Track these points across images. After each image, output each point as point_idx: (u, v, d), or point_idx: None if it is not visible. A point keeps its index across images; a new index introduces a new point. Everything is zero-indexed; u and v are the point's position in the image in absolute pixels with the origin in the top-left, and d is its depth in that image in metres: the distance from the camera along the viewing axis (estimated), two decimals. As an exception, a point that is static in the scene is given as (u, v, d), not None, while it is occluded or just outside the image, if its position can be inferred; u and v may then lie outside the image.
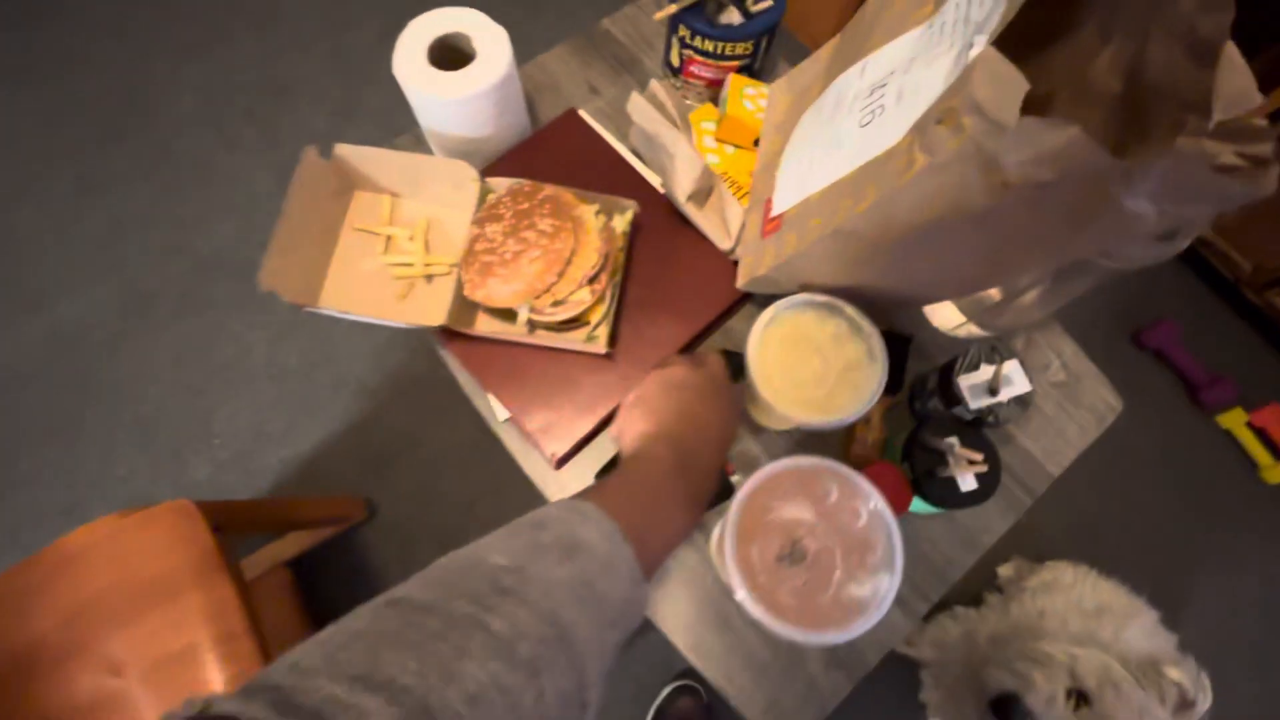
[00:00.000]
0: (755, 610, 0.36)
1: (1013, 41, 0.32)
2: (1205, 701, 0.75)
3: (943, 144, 0.30)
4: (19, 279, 1.32)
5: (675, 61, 0.66)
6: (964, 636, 1.03)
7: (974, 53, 0.30)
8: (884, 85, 0.40)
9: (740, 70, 0.64)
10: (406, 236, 0.57)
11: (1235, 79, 0.29)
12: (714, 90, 0.67)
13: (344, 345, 1.31)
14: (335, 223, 0.58)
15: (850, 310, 0.48)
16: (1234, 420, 1.39)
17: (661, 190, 0.62)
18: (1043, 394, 0.61)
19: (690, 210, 0.58)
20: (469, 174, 0.56)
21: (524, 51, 0.60)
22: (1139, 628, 0.89)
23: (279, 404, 1.27)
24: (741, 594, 0.36)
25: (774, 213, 0.52)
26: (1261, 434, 1.38)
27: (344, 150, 0.55)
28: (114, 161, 1.44)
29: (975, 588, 1.15)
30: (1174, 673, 0.76)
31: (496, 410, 0.56)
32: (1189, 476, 1.37)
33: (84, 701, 0.66)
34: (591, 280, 0.52)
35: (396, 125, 1.50)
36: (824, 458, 0.40)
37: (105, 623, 0.68)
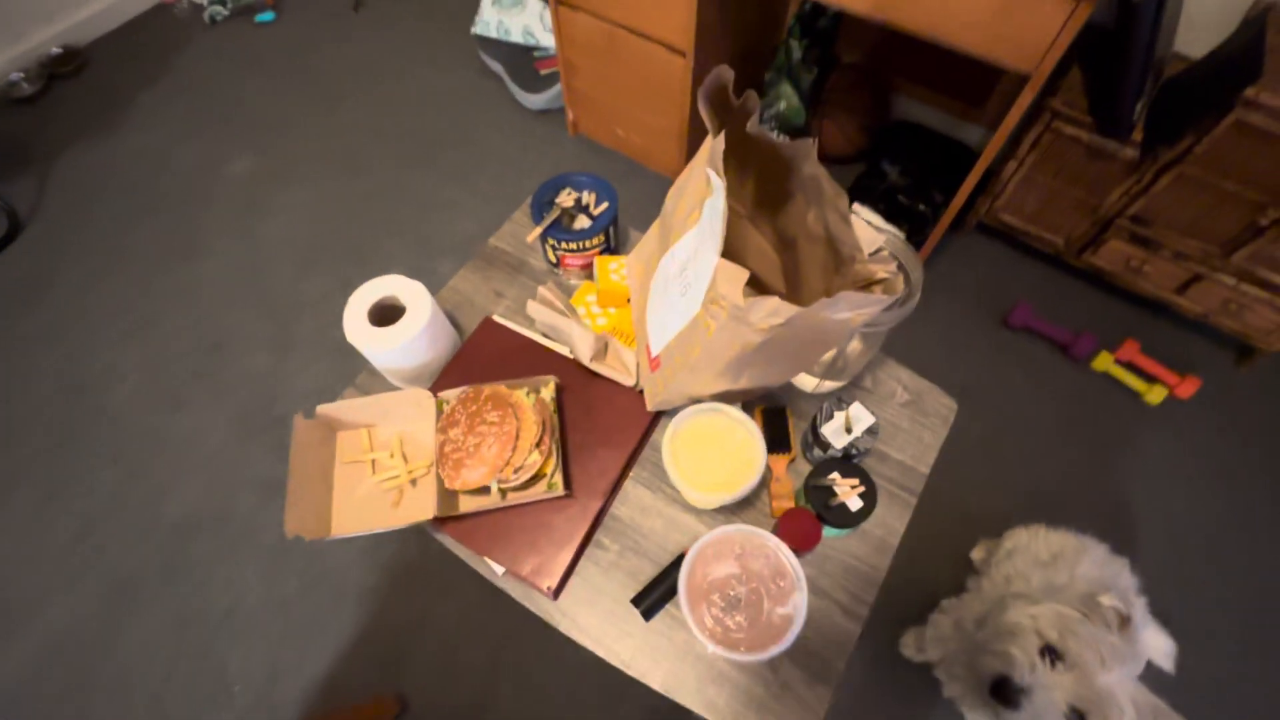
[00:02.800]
0: (721, 653, 0.50)
1: (767, 205, 0.52)
2: (1138, 612, 0.87)
3: (718, 316, 0.49)
4: (1, 602, 1.35)
5: (552, 259, 0.87)
6: (955, 626, 1.14)
7: (713, 262, 0.50)
8: (686, 269, 0.60)
9: (603, 251, 0.86)
10: (388, 455, 0.72)
11: (863, 231, 0.50)
12: (588, 270, 0.88)
13: (335, 556, 1.40)
14: (329, 463, 0.72)
15: (726, 408, 0.66)
16: (1105, 363, 1.63)
17: (573, 356, 0.80)
18: (895, 415, 0.80)
19: (596, 367, 0.76)
20: (425, 396, 0.72)
21: (437, 282, 0.78)
22: (1090, 561, 1.00)
23: (287, 634, 1.32)
24: (712, 648, 0.50)
25: (653, 354, 0.71)
26: (1130, 366, 1.63)
27: (323, 408, 0.71)
28: (70, 462, 1.52)
29: (959, 578, 1.27)
30: (1106, 599, 0.85)
31: (495, 568, 0.69)
32: (1090, 422, 1.59)
33: None
34: (538, 444, 0.68)
35: (330, 342, 1.68)
36: (725, 524, 0.55)
37: None
